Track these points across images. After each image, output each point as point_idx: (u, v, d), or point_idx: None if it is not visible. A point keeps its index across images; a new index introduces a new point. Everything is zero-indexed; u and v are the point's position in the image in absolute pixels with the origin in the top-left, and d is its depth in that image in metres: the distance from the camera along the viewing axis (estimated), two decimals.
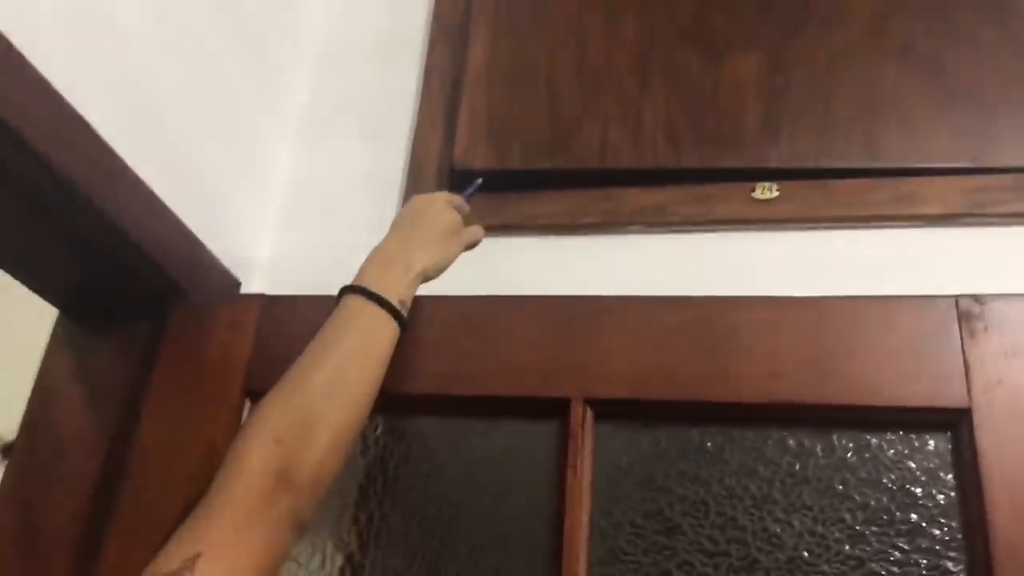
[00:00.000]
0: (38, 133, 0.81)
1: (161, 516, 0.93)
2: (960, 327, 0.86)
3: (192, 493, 0.93)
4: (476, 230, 0.97)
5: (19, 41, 0.76)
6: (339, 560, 0.91)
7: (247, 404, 0.97)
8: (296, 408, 0.75)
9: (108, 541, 0.93)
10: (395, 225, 0.93)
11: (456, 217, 0.94)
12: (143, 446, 0.97)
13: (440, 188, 1.15)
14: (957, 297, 0.88)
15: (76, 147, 0.86)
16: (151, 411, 0.99)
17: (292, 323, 0.99)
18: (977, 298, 0.87)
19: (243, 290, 1.11)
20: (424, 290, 0.91)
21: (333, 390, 0.77)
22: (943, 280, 0.99)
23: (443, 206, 0.94)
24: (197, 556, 0.66)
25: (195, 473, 0.94)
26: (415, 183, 1.17)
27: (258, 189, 1.17)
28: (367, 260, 0.87)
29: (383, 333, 0.83)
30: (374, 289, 0.83)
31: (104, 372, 1.05)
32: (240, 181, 1.14)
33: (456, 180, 1.15)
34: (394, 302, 0.83)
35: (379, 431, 0.97)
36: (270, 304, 1.02)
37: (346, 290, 0.84)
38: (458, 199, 0.97)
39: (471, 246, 0.96)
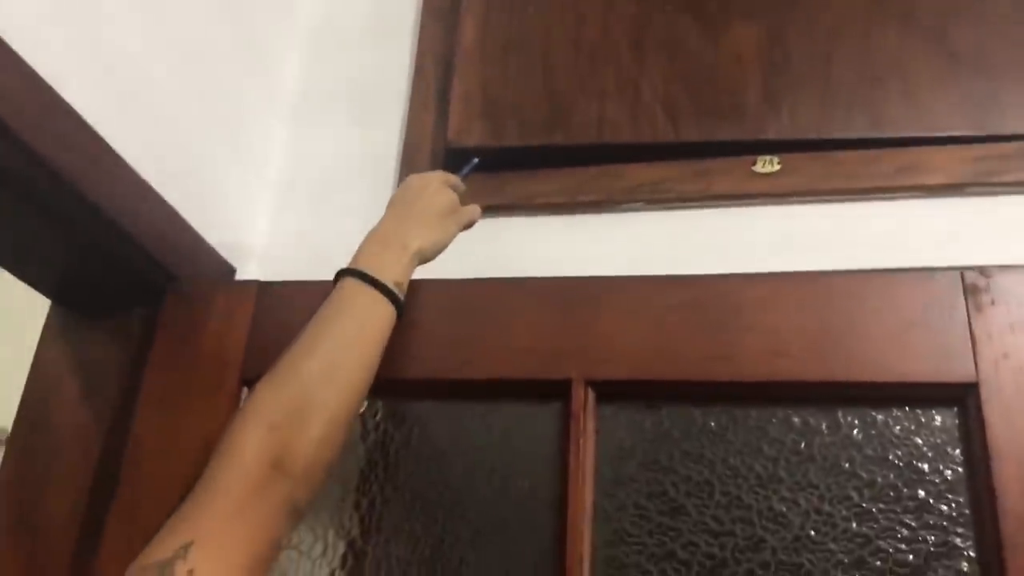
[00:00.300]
0: (25, 122, 0.80)
1: (159, 506, 0.92)
2: (966, 301, 0.85)
3: (190, 483, 0.93)
4: (473, 209, 0.96)
5: (3, 28, 0.75)
6: (341, 547, 0.91)
7: (244, 392, 0.97)
8: (291, 394, 0.75)
9: (107, 532, 0.93)
10: (391, 206, 0.92)
11: (452, 197, 0.93)
12: (139, 436, 0.97)
13: (435, 169, 1.14)
14: (963, 270, 0.87)
15: (64, 136, 0.85)
16: (147, 401, 0.99)
17: (288, 309, 0.98)
18: (983, 271, 0.86)
19: (238, 276, 1.10)
20: (423, 273, 0.90)
21: (328, 375, 0.77)
22: (949, 251, 0.98)
23: (439, 186, 0.93)
24: (190, 544, 0.65)
25: (193, 462, 0.93)
26: (410, 164, 1.16)
27: (251, 174, 1.16)
28: (363, 242, 0.87)
29: (379, 316, 0.82)
30: (370, 272, 0.82)
31: (99, 362, 1.05)
32: (233, 167, 1.13)
33: (451, 160, 1.14)
34: (390, 284, 0.83)
35: (379, 416, 0.97)
36: (265, 290, 1.01)
37: (342, 273, 0.84)
38: (454, 178, 0.96)
39: (468, 225, 0.95)
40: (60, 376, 1.05)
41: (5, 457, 1.03)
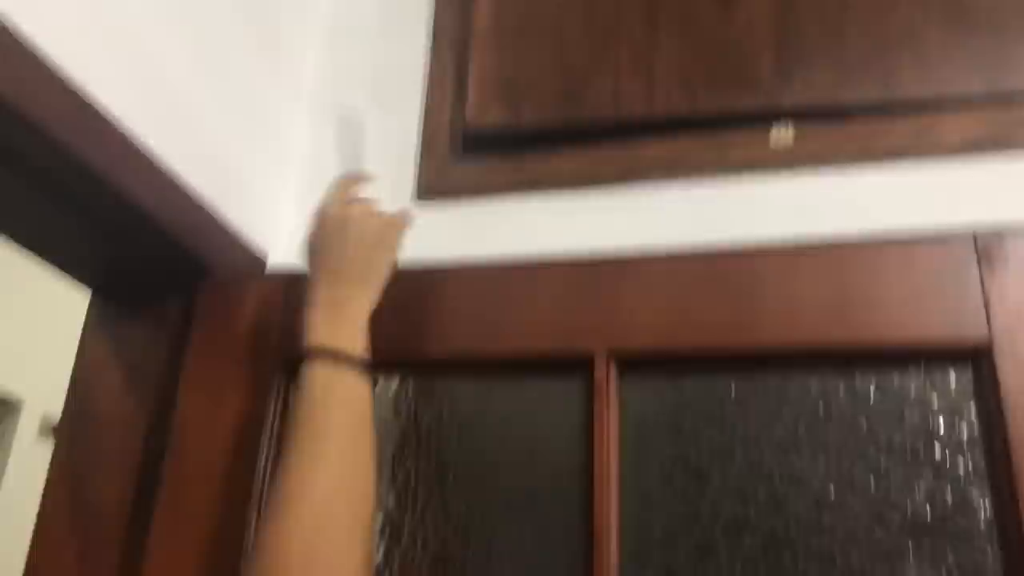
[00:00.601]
0: (60, 126, 0.85)
1: (205, 485, 0.98)
2: (979, 263, 0.88)
3: (232, 463, 0.99)
4: (402, 216, 0.94)
5: (30, 31, 0.79)
6: (379, 519, 0.96)
7: (279, 376, 1.02)
8: (313, 525, 0.71)
9: (156, 512, 0.99)
10: (321, 260, 0.89)
11: (378, 221, 0.91)
12: (183, 419, 1.02)
13: (455, 151, 1.17)
14: (975, 233, 0.90)
15: (95, 136, 0.89)
16: (187, 388, 1.05)
17: None
18: (996, 233, 0.89)
19: (269, 263, 1.14)
20: (447, 255, 0.94)
21: (340, 490, 0.74)
22: (965, 212, 1.00)
23: (360, 217, 0.91)
24: None
25: (233, 446, 0.99)
26: (430, 147, 1.19)
27: (277, 164, 1.21)
28: (313, 316, 0.84)
29: (362, 397, 0.80)
30: (338, 350, 0.81)
31: (140, 351, 1.10)
32: (259, 158, 1.17)
33: (470, 141, 1.17)
34: (358, 359, 0.82)
35: (411, 394, 1.01)
36: (294, 279, 1.06)
37: (310, 354, 0.81)
38: (368, 198, 0.95)
39: (406, 230, 0.94)
40: (103, 365, 1.11)
41: (56, 444, 1.09)
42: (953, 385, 0.88)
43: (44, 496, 1.07)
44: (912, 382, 0.89)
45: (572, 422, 0.94)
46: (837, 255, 0.92)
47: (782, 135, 1.10)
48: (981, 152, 1.03)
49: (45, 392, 3.08)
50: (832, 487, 0.86)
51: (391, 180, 1.18)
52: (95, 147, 0.90)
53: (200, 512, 0.98)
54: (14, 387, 3.17)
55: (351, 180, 0.96)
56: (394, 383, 1.02)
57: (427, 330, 0.99)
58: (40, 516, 1.07)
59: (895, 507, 0.84)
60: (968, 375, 0.87)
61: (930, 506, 0.84)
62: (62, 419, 1.11)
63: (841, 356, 0.90)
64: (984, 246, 0.88)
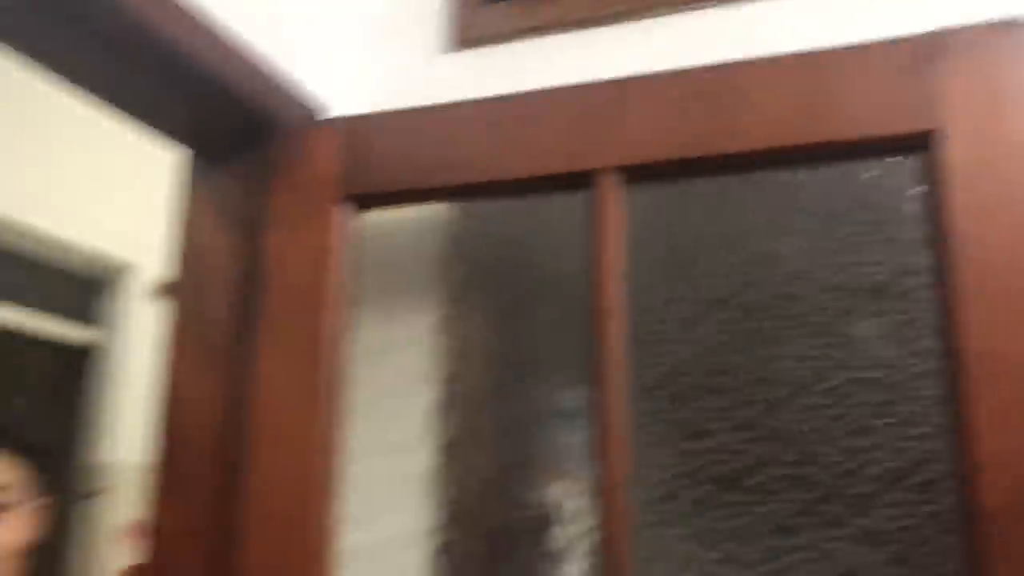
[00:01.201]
0: (159, 16, 1.08)
1: (294, 303, 1.25)
2: (931, 59, 1.04)
3: (312, 280, 1.24)
4: None
5: None
6: (434, 315, 1.21)
7: (344, 208, 1.26)
8: None
9: (259, 324, 1.26)
10: None
11: None
12: (271, 254, 1.28)
13: (481, 2, 1.36)
14: (926, 33, 1.05)
15: (181, 17, 1.12)
16: (272, 223, 1.30)
17: (374, 136, 1.26)
18: (942, 31, 1.04)
19: (332, 112, 1.37)
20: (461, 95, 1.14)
21: None
22: (940, 12, 1.14)
23: None
24: None
25: (312, 270, 1.25)
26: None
27: (333, 21, 1.42)
28: None
29: None
30: None
31: (231, 197, 1.36)
32: (317, 18, 1.38)
33: None
34: None
35: (455, 215, 1.24)
36: (351, 122, 1.28)
37: None
38: None
39: None
40: (204, 212, 1.37)
41: (178, 280, 1.37)
42: (907, 169, 1.05)
43: (173, 315, 1.37)
44: (871, 170, 1.06)
45: (585, 228, 1.15)
46: (802, 64, 1.09)
47: None
48: None
49: (152, 259, 3.47)
50: (803, 264, 1.07)
51: (422, 33, 1.38)
52: (182, 29, 1.13)
53: (292, 323, 1.25)
54: (123, 253, 3.57)
55: None
56: (442, 208, 1.25)
57: (463, 159, 1.21)
58: (171, 330, 1.37)
59: (856, 274, 1.04)
60: (919, 160, 1.04)
61: (882, 270, 1.04)
62: (177, 256, 1.39)
63: (810, 152, 1.08)
64: (932, 42, 1.04)
